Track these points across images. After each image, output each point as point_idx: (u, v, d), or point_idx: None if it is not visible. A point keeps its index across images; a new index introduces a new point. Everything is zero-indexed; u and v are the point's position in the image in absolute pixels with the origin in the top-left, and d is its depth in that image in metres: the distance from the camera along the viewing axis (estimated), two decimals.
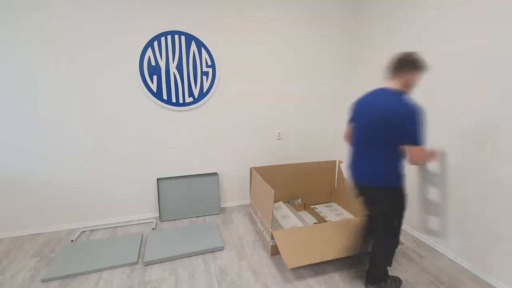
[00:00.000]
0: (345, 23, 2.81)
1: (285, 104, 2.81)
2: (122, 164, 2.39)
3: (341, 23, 2.80)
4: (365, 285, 1.64)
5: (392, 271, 1.80)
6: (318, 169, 2.80)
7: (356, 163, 1.51)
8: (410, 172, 1.70)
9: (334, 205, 2.86)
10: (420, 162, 1.34)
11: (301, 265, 1.72)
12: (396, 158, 1.36)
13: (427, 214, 1.65)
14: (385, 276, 1.59)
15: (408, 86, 1.35)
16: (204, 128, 2.58)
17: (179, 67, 2.37)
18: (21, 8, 1.92)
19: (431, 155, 1.43)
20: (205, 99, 2.50)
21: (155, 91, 2.34)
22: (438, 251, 2.05)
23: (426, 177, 1.62)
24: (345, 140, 1.69)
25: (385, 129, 1.30)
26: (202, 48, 2.39)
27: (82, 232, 2.29)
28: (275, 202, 2.70)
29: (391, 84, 1.36)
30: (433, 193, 1.60)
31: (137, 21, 2.18)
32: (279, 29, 2.60)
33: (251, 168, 2.51)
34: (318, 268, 1.85)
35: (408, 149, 1.29)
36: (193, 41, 2.36)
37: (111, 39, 2.15)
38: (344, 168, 1.90)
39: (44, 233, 2.26)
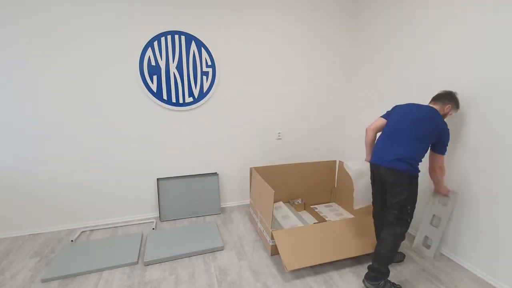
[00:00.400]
0: (345, 23, 2.81)
1: (285, 104, 2.81)
2: (122, 164, 2.39)
3: (341, 23, 2.80)
4: (363, 281, 1.62)
5: (392, 271, 1.79)
6: (318, 169, 2.80)
7: (386, 150, 1.66)
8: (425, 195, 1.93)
9: (334, 205, 2.86)
10: (438, 170, 1.75)
11: (301, 267, 1.73)
12: (423, 152, 1.62)
13: (427, 233, 2.01)
14: (386, 271, 1.57)
15: (444, 114, 1.72)
16: (204, 128, 2.58)
17: (179, 67, 2.37)
18: (21, 8, 1.92)
19: (446, 190, 1.89)
20: (205, 99, 2.51)
21: (155, 91, 2.34)
22: (438, 251, 2.05)
23: (435, 208, 1.94)
24: (371, 130, 1.84)
25: (426, 128, 1.59)
26: (202, 48, 2.39)
27: (82, 232, 2.29)
28: (275, 202, 2.70)
29: (434, 106, 1.71)
30: (437, 221, 1.96)
31: (137, 21, 2.18)
32: (279, 29, 2.60)
33: (251, 168, 2.51)
34: (318, 267, 1.85)
35: (435, 155, 1.70)
36: (193, 41, 2.36)
37: (111, 39, 2.15)
38: (347, 166, 1.93)
39: (44, 233, 2.26)
